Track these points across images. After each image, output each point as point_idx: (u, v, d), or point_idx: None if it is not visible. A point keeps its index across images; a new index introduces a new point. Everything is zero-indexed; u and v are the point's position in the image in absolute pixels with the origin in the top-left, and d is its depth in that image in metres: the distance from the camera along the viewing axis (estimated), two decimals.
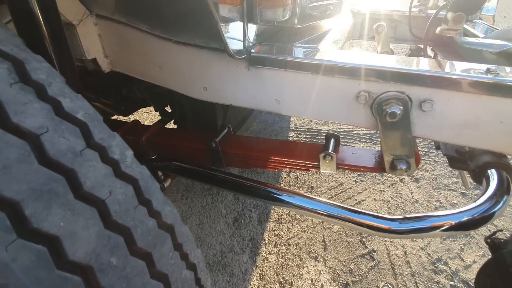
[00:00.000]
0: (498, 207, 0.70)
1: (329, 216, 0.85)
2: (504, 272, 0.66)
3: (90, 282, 0.35)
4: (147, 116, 2.51)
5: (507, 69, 0.62)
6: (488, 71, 0.62)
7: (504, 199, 0.71)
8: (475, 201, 0.73)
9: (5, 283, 0.30)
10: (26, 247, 0.31)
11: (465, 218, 0.71)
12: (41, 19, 0.61)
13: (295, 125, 2.37)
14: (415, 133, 0.71)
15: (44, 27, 0.62)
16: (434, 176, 1.82)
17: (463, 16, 0.82)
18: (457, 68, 0.65)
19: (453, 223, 0.72)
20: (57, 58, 0.67)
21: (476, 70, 0.63)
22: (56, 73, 0.41)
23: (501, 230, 0.75)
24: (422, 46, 1.23)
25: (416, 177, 1.81)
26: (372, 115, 0.71)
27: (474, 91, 0.61)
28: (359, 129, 2.27)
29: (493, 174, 0.75)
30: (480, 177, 0.78)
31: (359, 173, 1.83)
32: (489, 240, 0.72)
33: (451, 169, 1.84)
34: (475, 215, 0.71)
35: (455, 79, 0.62)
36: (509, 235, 0.74)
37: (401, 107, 0.66)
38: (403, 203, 1.63)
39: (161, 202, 0.47)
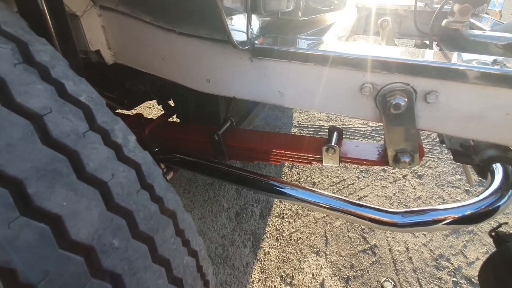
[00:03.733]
0: (502, 201, 0.70)
1: (331, 209, 0.85)
2: (509, 266, 0.65)
3: (92, 262, 0.35)
4: (150, 111, 2.52)
5: None
6: (494, 62, 0.61)
7: (509, 193, 0.70)
8: (479, 195, 0.72)
9: (8, 260, 0.30)
10: (29, 225, 0.31)
11: (469, 212, 0.70)
12: (46, 9, 0.61)
13: (297, 121, 2.36)
14: (420, 126, 0.70)
15: (49, 17, 0.63)
16: (437, 173, 1.80)
17: (470, 8, 0.81)
18: (463, 59, 0.64)
19: (456, 217, 0.71)
20: (61, 48, 0.67)
21: (482, 61, 0.62)
22: (60, 56, 0.41)
23: (506, 223, 0.74)
24: (427, 42, 1.22)
25: (419, 173, 1.80)
26: (376, 107, 0.71)
27: (480, 82, 0.60)
28: (362, 125, 2.26)
29: (498, 168, 0.74)
30: (484, 171, 0.77)
31: (361, 167, 1.82)
32: (493, 233, 0.71)
33: (455, 166, 1.83)
34: (479, 209, 0.70)
35: (461, 70, 0.61)
36: None
37: (406, 99, 0.66)
38: (405, 199, 1.62)
39: (163, 188, 0.47)
